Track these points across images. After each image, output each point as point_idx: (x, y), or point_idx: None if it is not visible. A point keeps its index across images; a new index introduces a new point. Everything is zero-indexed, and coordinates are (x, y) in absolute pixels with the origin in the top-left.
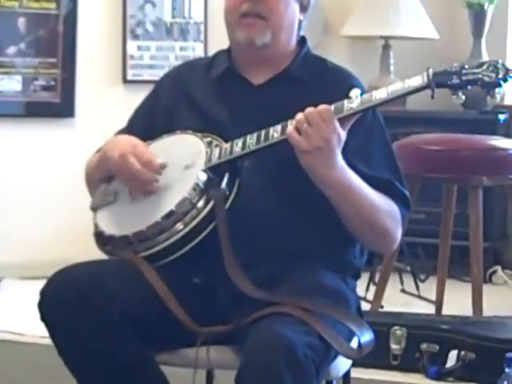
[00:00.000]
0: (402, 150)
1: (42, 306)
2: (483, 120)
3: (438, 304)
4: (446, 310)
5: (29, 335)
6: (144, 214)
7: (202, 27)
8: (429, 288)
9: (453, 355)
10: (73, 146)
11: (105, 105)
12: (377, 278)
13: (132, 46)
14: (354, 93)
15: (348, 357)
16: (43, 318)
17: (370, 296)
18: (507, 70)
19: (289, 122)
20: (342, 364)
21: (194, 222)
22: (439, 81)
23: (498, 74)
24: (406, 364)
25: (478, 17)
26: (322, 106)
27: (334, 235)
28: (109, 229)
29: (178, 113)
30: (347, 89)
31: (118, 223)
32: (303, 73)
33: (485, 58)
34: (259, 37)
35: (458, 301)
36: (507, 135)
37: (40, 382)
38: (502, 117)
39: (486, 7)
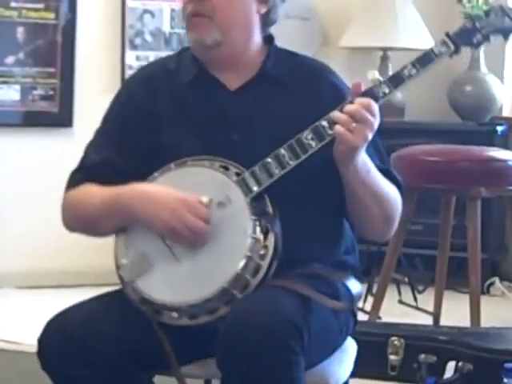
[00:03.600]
0: (399, 161)
1: (41, 355)
2: (481, 131)
3: (436, 315)
4: (444, 321)
5: (26, 344)
6: (203, 275)
7: None
8: (427, 299)
9: (451, 366)
10: (71, 155)
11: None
12: (374, 289)
13: (130, 56)
14: (373, 75)
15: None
16: (44, 367)
17: (368, 307)
18: None
19: (318, 125)
20: (340, 373)
21: (268, 260)
22: (465, 41)
23: (510, 16)
24: (404, 375)
25: None
26: (363, 100)
27: (324, 236)
28: (171, 297)
29: (161, 124)
30: (330, 87)
31: (177, 289)
32: (281, 72)
33: (483, 69)
34: (207, 36)
35: (455, 312)
36: (505, 147)
37: None
38: (499, 128)
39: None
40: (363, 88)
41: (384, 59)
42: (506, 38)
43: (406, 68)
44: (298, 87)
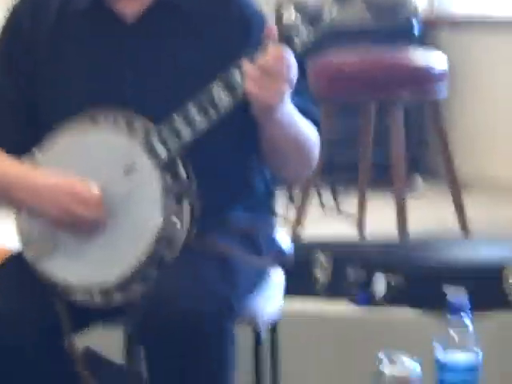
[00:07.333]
0: (314, 70)
1: None
2: (397, 33)
3: (360, 220)
4: (369, 228)
5: None
6: (113, 253)
7: None
8: (349, 204)
9: (381, 279)
10: None
11: None
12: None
13: None
14: (290, 15)
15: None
16: None
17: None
18: None
19: (230, 78)
20: (269, 311)
21: (183, 231)
22: None
23: None
24: (333, 291)
25: None
26: (277, 51)
27: (239, 180)
28: (79, 277)
29: (50, 59)
30: (238, 15)
31: (86, 268)
32: None
33: None
34: None
35: (379, 216)
36: (422, 44)
37: None
38: (415, 27)
39: None
40: (277, 32)
41: None
42: None
43: (324, 10)
44: (200, 15)
